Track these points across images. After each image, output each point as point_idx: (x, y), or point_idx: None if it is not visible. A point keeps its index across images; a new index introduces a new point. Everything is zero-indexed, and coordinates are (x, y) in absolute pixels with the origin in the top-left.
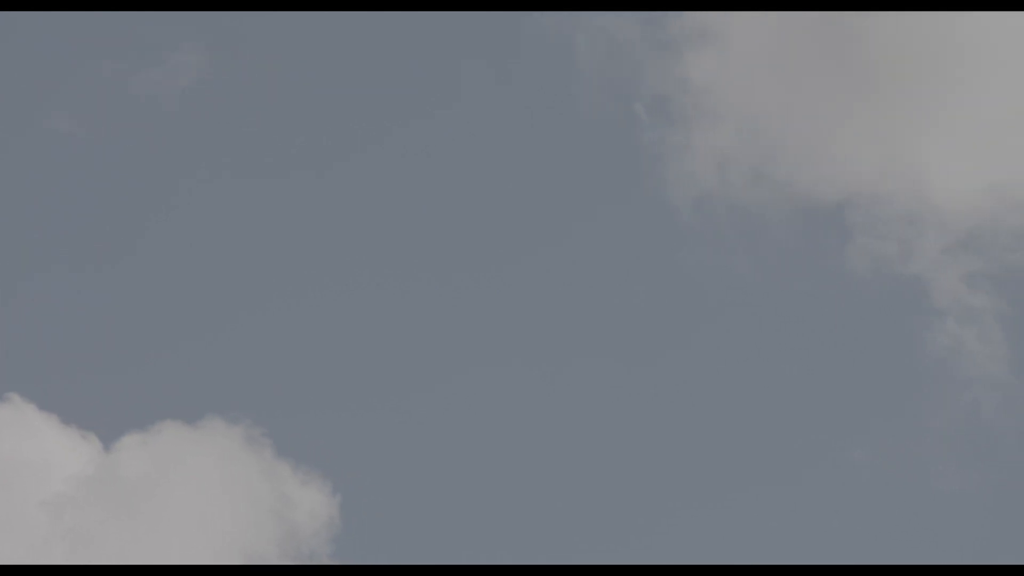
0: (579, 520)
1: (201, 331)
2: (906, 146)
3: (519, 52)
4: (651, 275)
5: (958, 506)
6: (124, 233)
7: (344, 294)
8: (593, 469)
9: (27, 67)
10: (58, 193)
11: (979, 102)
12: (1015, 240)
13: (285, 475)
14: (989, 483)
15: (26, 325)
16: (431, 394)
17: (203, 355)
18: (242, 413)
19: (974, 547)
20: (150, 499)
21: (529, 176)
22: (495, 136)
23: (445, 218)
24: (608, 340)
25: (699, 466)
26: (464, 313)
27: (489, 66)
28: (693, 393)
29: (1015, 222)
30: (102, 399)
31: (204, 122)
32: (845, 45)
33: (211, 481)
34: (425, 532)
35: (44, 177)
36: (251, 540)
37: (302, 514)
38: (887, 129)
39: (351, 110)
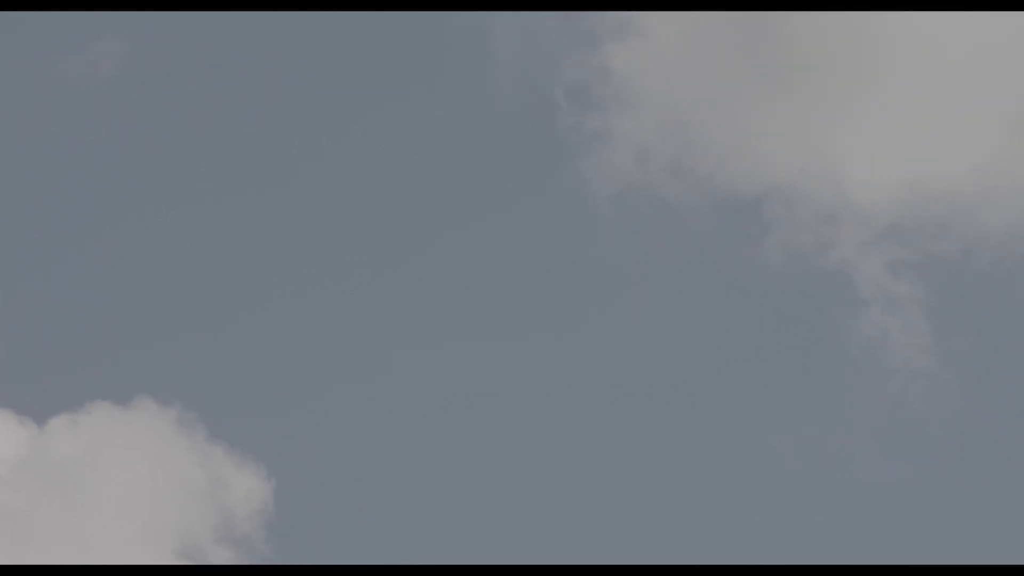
0: (505, 503)
1: (133, 312)
2: (824, 141)
3: (437, 41)
4: (569, 266)
5: (881, 496)
6: (51, 218)
7: (278, 279)
8: (522, 456)
9: None
10: None
11: (894, 98)
12: (937, 229)
13: (218, 458)
14: (913, 473)
15: None
16: (363, 378)
17: (135, 336)
18: (174, 395)
19: (896, 538)
20: (82, 481)
21: (447, 166)
22: (413, 126)
23: (366, 208)
24: (527, 332)
25: (619, 453)
26: (390, 302)
27: (407, 56)
28: (614, 382)
29: (932, 215)
30: (34, 380)
31: (126, 110)
32: (763, 41)
33: (144, 463)
34: (360, 517)
35: None
36: (185, 522)
37: (236, 497)
38: (805, 124)
39: (270, 103)
